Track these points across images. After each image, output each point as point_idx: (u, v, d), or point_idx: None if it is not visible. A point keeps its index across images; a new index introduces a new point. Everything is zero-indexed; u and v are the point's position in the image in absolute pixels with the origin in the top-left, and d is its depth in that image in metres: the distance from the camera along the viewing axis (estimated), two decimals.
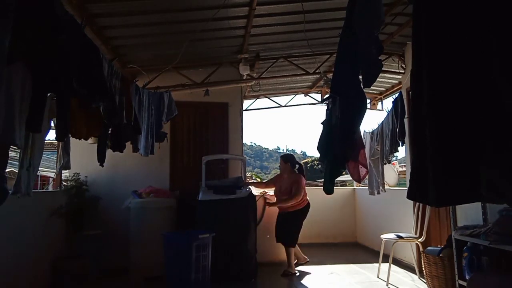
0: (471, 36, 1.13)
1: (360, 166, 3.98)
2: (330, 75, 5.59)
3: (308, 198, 5.06)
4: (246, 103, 7.62)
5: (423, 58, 1.30)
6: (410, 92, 1.47)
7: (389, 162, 5.08)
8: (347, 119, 2.61)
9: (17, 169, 3.03)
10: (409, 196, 1.45)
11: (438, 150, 1.20)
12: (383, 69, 5.64)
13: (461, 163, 1.16)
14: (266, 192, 5.34)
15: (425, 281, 3.98)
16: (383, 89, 7.12)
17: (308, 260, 5.20)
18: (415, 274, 4.53)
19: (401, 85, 6.00)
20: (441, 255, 3.66)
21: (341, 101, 2.66)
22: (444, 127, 1.20)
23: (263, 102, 8.01)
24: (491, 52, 1.03)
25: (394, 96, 7.08)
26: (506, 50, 0.99)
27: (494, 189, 1.06)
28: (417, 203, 4.43)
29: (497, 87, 1.00)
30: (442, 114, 1.21)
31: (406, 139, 5.24)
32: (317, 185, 9.09)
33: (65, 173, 4.95)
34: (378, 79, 6.61)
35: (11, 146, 2.27)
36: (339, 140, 2.70)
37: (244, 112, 6.21)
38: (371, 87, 7.16)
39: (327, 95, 6.47)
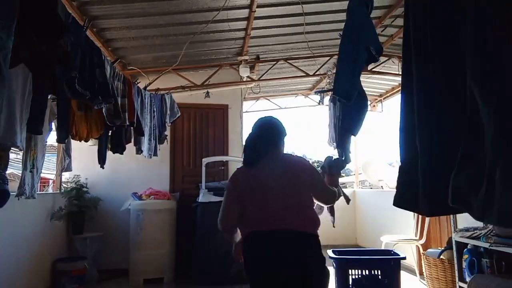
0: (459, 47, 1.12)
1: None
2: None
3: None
4: (246, 105, 7.61)
5: (413, 68, 1.28)
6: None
7: None
8: (347, 120, 2.61)
9: (18, 171, 3.03)
10: (396, 204, 1.34)
11: (428, 161, 1.19)
12: (383, 70, 5.69)
13: (444, 174, 1.14)
14: None
15: (425, 283, 3.98)
16: (383, 91, 7.13)
17: None
18: (416, 276, 4.52)
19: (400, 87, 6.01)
20: (441, 257, 3.66)
21: (341, 102, 2.66)
22: (434, 139, 1.18)
23: (263, 104, 8.01)
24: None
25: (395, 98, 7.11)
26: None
27: (458, 199, 1.05)
28: None
29: (473, 97, 1.00)
30: (432, 125, 1.19)
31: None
32: None
33: (65, 175, 4.95)
34: (378, 80, 6.56)
35: (12, 148, 2.27)
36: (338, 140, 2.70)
37: (244, 114, 6.20)
38: (371, 88, 7.16)
39: (322, 89, 6.38)
